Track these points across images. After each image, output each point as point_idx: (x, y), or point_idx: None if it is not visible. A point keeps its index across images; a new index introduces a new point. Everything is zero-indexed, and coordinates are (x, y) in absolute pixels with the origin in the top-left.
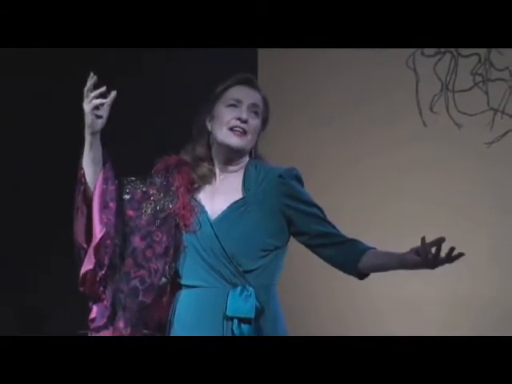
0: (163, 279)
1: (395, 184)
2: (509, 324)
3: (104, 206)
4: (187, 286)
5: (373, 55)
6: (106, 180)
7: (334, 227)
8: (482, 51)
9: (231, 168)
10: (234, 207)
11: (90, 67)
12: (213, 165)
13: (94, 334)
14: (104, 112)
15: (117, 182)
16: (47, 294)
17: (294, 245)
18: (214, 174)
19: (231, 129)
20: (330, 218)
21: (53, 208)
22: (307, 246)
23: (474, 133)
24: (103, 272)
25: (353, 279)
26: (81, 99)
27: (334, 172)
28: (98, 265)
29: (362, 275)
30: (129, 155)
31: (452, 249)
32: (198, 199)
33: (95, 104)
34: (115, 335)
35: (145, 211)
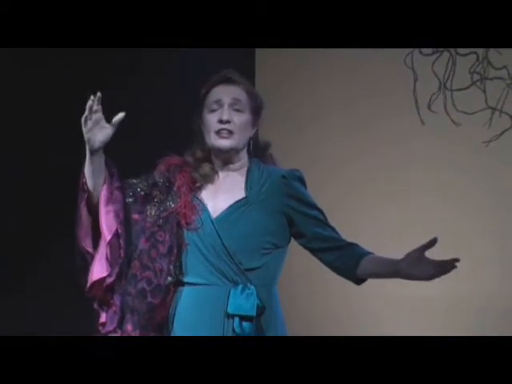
0: (169, 278)
1: (393, 183)
2: (509, 324)
3: (113, 214)
4: (188, 284)
5: (371, 54)
6: (112, 191)
7: (334, 231)
8: (480, 50)
9: (232, 167)
10: (236, 206)
11: (89, 67)
12: (214, 165)
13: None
14: (101, 133)
15: (123, 190)
16: (48, 296)
17: (292, 248)
18: (215, 173)
19: (217, 132)
20: (328, 215)
21: (53, 209)
22: (307, 249)
23: (472, 131)
24: (113, 278)
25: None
26: (81, 99)
27: (331, 170)
28: (111, 272)
29: (359, 281)
30: (129, 155)
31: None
32: (200, 198)
33: (90, 125)
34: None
35: (149, 213)
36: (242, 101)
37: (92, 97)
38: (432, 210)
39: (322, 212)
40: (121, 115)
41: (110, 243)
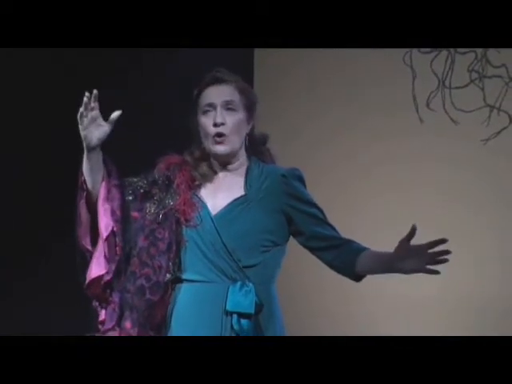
0: (168, 275)
1: (392, 180)
2: (509, 324)
3: (110, 212)
4: (187, 281)
5: (369, 52)
6: (110, 189)
7: (333, 229)
8: (479, 48)
9: (230, 167)
10: (236, 203)
11: (89, 67)
12: (212, 165)
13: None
14: (98, 131)
15: (121, 188)
16: (48, 296)
17: (289, 248)
18: (214, 173)
19: (213, 137)
20: (327, 213)
21: (53, 209)
22: (306, 247)
23: (471, 129)
24: (111, 275)
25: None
26: (81, 99)
27: (330, 168)
28: (109, 269)
29: (358, 278)
30: (129, 154)
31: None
32: (199, 196)
33: (86, 123)
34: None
35: (149, 211)
36: (234, 100)
37: (87, 93)
38: (431, 209)
39: (321, 210)
40: (117, 113)
41: (106, 241)
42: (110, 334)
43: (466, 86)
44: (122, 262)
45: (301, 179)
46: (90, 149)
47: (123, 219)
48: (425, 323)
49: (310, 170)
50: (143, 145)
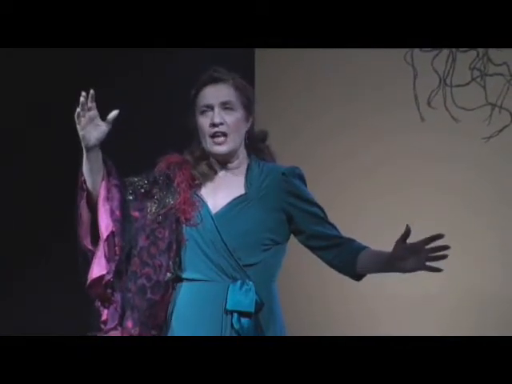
0: (168, 274)
1: (393, 179)
2: (509, 324)
3: (110, 211)
4: (187, 280)
5: (370, 50)
6: (110, 189)
7: (333, 228)
8: None
9: (230, 166)
10: (236, 202)
11: (89, 67)
12: (212, 164)
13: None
14: (96, 131)
15: (121, 188)
16: (48, 296)
17: (290, 248)
18: (214, 172)
19: (212, 137)
20: (327, 211)
21: (53, 209)
22: (306, 246)
23: (472, 128)
24: (112, 275)
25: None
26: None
27: (330, 167)
28: (110, 269)
29: (358, 277)
30: (129, 154)
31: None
32: (199, 194)
33: (83, 122)
34: (124, 335)
35: (149, 210)
36: (231, 100)
37: (83, 93)
38: (432, 207)
39: (322, 209)
40: (115, 112)
41: (106, 241)
42: (112, 333)
43: (468, 84)
44: (122, 261)
45: (301, 177)
46: (89, 149)
47: (123, 219)
48: (425, 323)
49: (310, 169)
50: (143, 145)
